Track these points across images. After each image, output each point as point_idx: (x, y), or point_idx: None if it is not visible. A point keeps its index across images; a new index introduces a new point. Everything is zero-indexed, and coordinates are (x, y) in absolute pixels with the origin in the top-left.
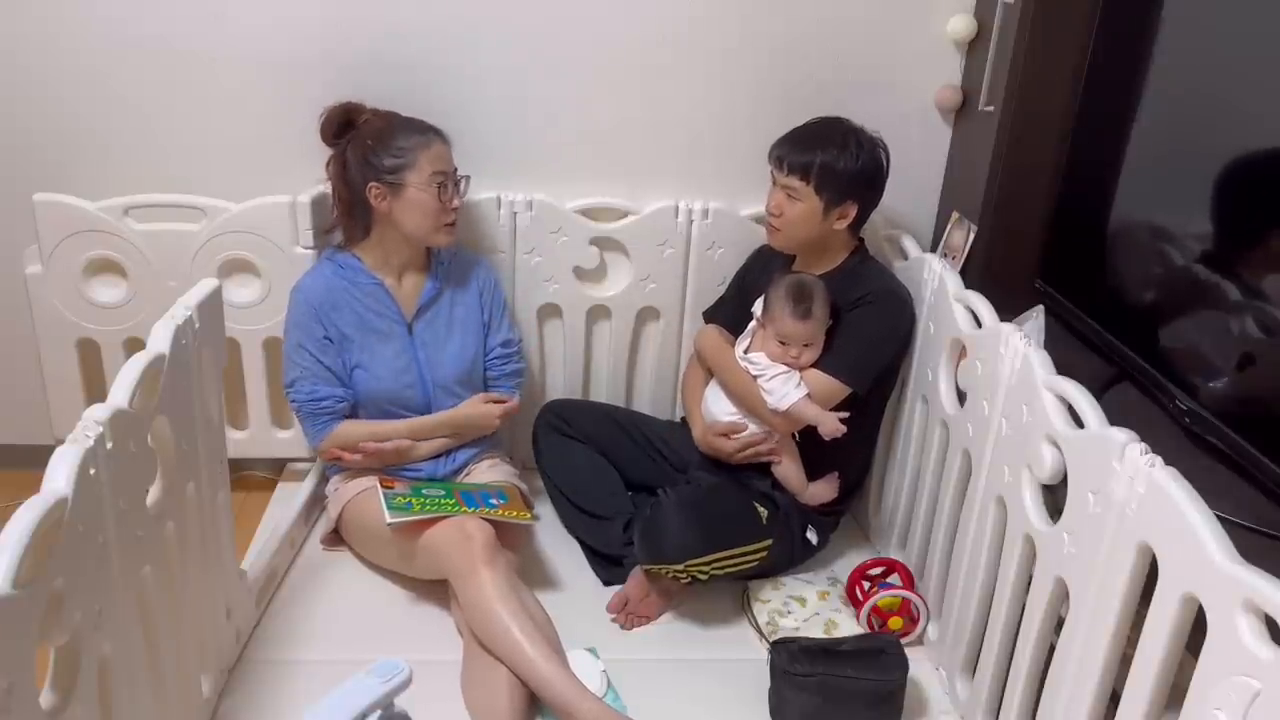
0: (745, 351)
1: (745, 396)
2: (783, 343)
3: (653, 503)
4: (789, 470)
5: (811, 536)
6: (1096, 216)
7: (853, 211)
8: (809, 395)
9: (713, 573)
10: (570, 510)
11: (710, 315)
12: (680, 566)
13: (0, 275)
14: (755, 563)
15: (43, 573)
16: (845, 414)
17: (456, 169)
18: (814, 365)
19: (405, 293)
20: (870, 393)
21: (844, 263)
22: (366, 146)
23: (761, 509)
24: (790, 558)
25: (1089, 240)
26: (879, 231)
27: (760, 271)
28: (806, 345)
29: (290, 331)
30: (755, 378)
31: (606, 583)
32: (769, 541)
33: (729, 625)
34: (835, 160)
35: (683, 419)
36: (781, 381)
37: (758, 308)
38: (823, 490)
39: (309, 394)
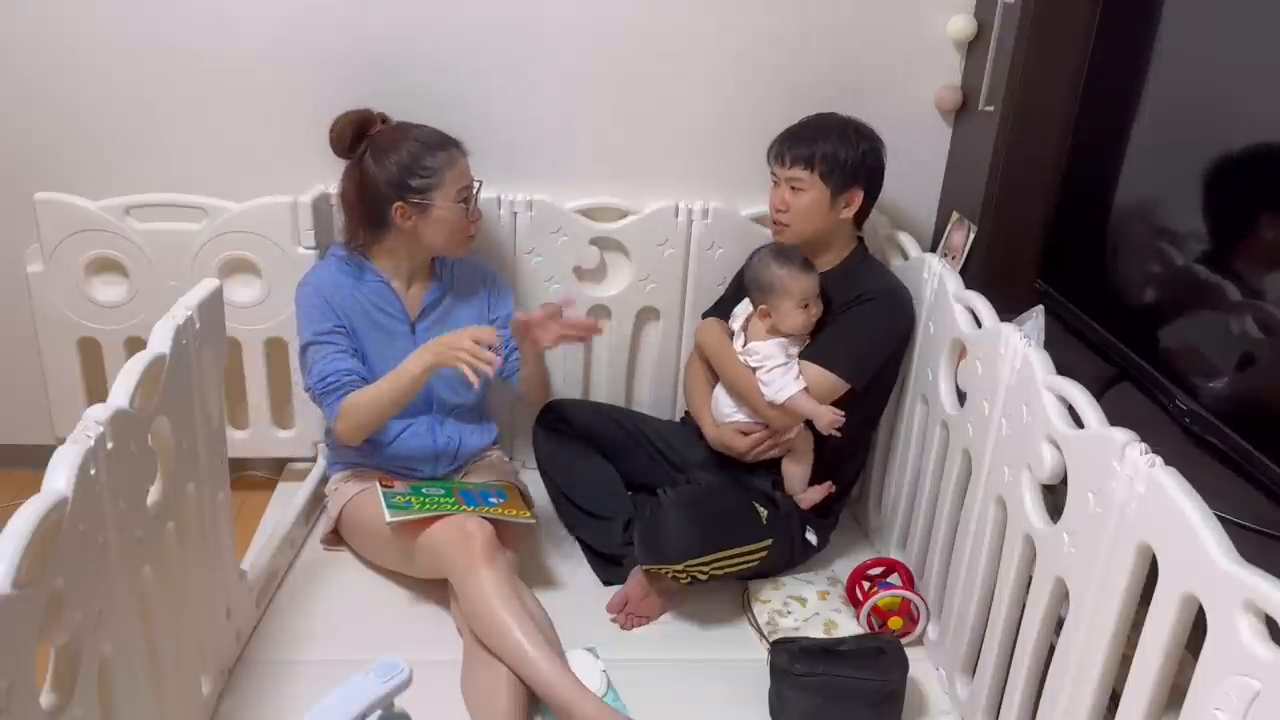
0: (744, 345)
1: (744, 391)
2: (805, 305)
3: (652, 503)
4: (796, 469)
5: (811, 537)
6: (1096, 216)
7: (858, 199)
8: (807, 389)
9: (712, 573)
10: (570, 510)
11: (710, 316)
12: (680, 567)
13: (2, 274)
14: (755, 563)
15: (43, 573)
16: (840, 414)
17: (474, 178)
18: (812, 360)
19: (411, 294)
20: (870, 392)
21: (845, 260)
22: (389, 166)
23: (761, 509)
24: (790, 558)
25: (1089, 240)
26: (879, 231)
27: None
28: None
29: (303, 326)
30: (755, 370)
31: (606, 583)
32: (769, 542)
33: (729, 625)
34: (837, 149)
35: (683, 419)
36: (780, 374)
37: (743, 307)
38: (813, 495)
39: (319, 375)
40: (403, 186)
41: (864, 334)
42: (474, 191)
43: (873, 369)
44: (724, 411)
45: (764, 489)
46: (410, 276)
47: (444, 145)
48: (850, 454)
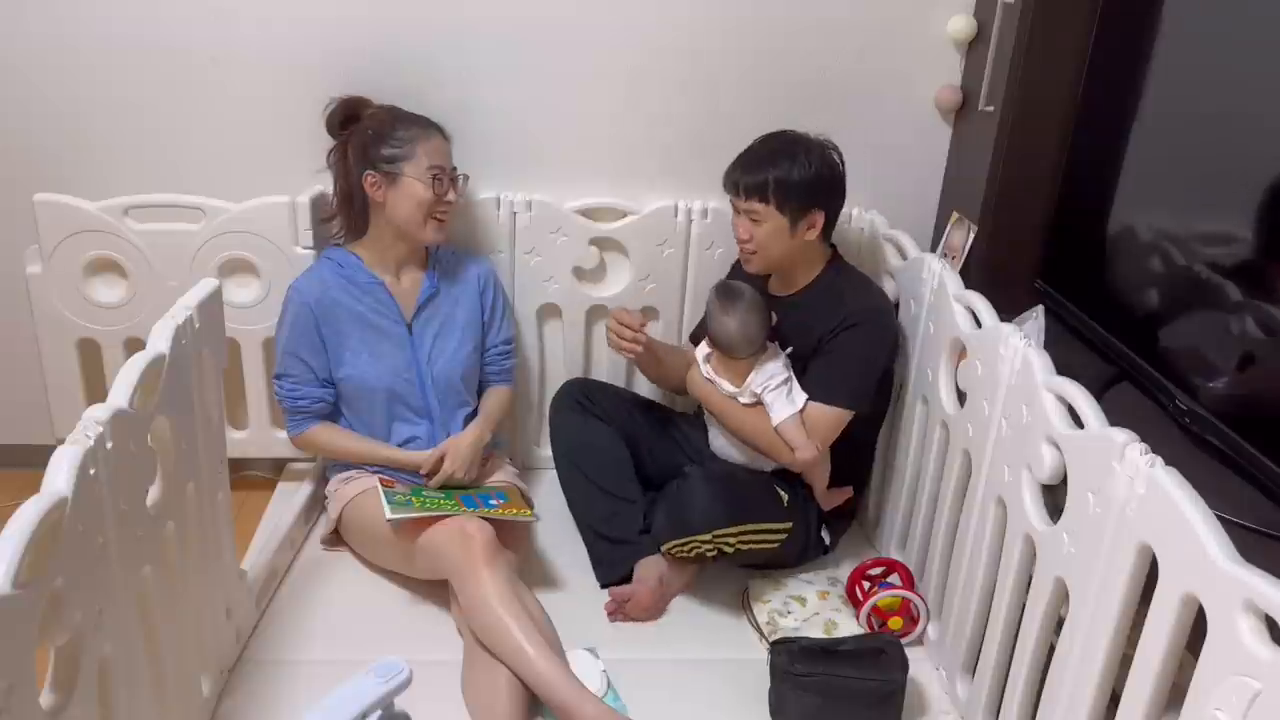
0: (721, 376)
1: (767, 447)
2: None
3: (676, 480)
4: (816, 474)
5: (825, 536)
6: (1096, 216)
7: (820, 220)
8: (802, 413)
9: (739, 546)
10: (586, 490)
11: (697, 337)
12: (708, 537)
13: (1, 275)
14: (775, 544)
15: (43, 573)
16: (816, 453)
17: (455, 167)
18: (813, 399)
19: (404, 290)
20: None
21: (821, 275)
22: (367, 138)
23: (782, 492)
24: (804, 550)
25: (1089, 240)
26: (879, 231)
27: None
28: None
29: (283, 330)
30: (760, 394)
31: (604, 585)
32: (789, 524)
33: (729, 625)
34: (789, 173)
35: (696, 411)
36: (783, 394)
37: (703, 349)
38: (834, 497)
39: (290, 391)
40: (374, 156)
41: (856, 361)
42: (449, 174)
43: (871, 389)
44: (717, 445)
45: (783, 475)
46: (399, 268)
47: (423, 124)
48: (856, 457)
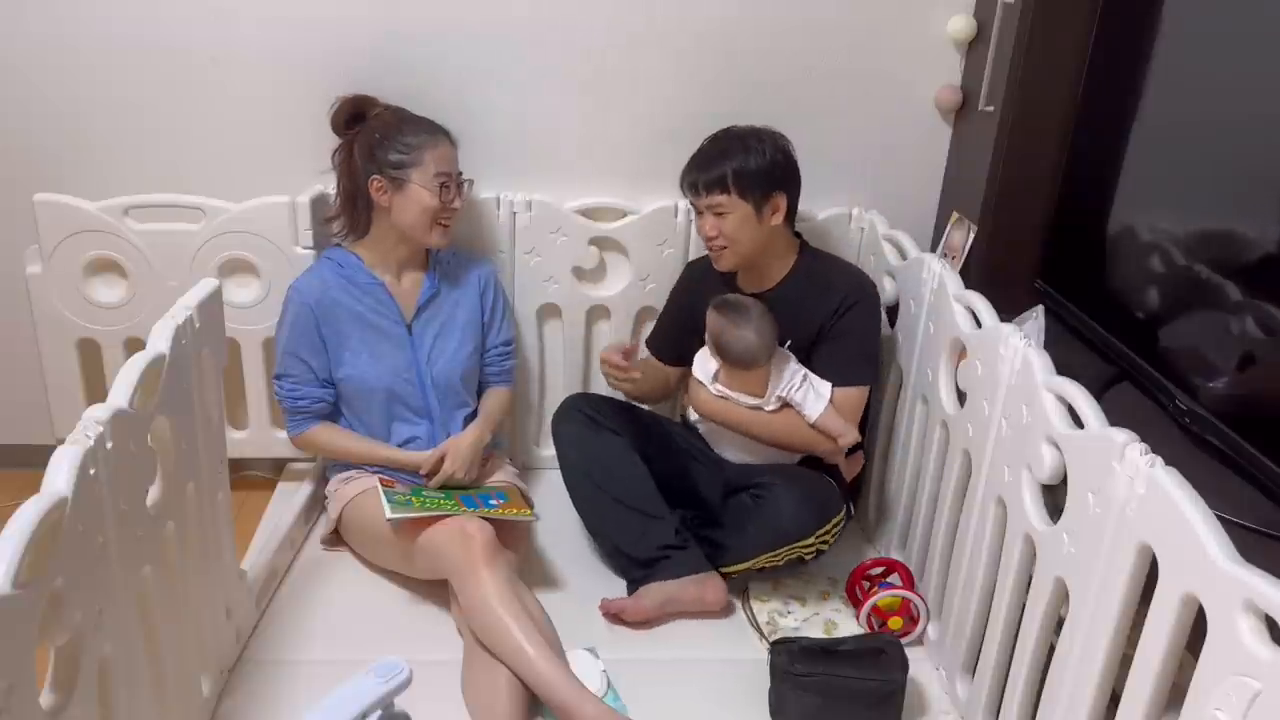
0: (724, 386)
1: (800, 442)
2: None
3: (752, 496)
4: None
5: (850, 507)
6: (1096, 216)
7: (783, 203)
8: (831, 401)
9: (830, 539)
10: (609, 509)
11: (656, 348)
12: (811, 540)
13: (1, 275)
14: (839, 531)
15: (43, 573)
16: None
17: (461, 172)
18: (837, 385)
19: (404, 291)
20: None
21: (798, 263)
22: (374, 140)
23: (829, 479)
24: (845, 527)
25: (1089, 240)
26: (879, 231)
27: (698, 287)
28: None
29: (283, 330)
30: (787, 397)
31: (632, 585)
32: (845, 506)
33: (729, 625)
34: (745, 162)
35: (684, 421)
36: (809, 390)
37: (704, 368)
38: (853, 466)
39: (290, 391)
40: (382, 160)
41: (865, 339)
42: (455, 180)
43: (877, 360)
44: (729, 455)
45: (808, 462)
46: (400, 268)
47: (430, 129)
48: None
